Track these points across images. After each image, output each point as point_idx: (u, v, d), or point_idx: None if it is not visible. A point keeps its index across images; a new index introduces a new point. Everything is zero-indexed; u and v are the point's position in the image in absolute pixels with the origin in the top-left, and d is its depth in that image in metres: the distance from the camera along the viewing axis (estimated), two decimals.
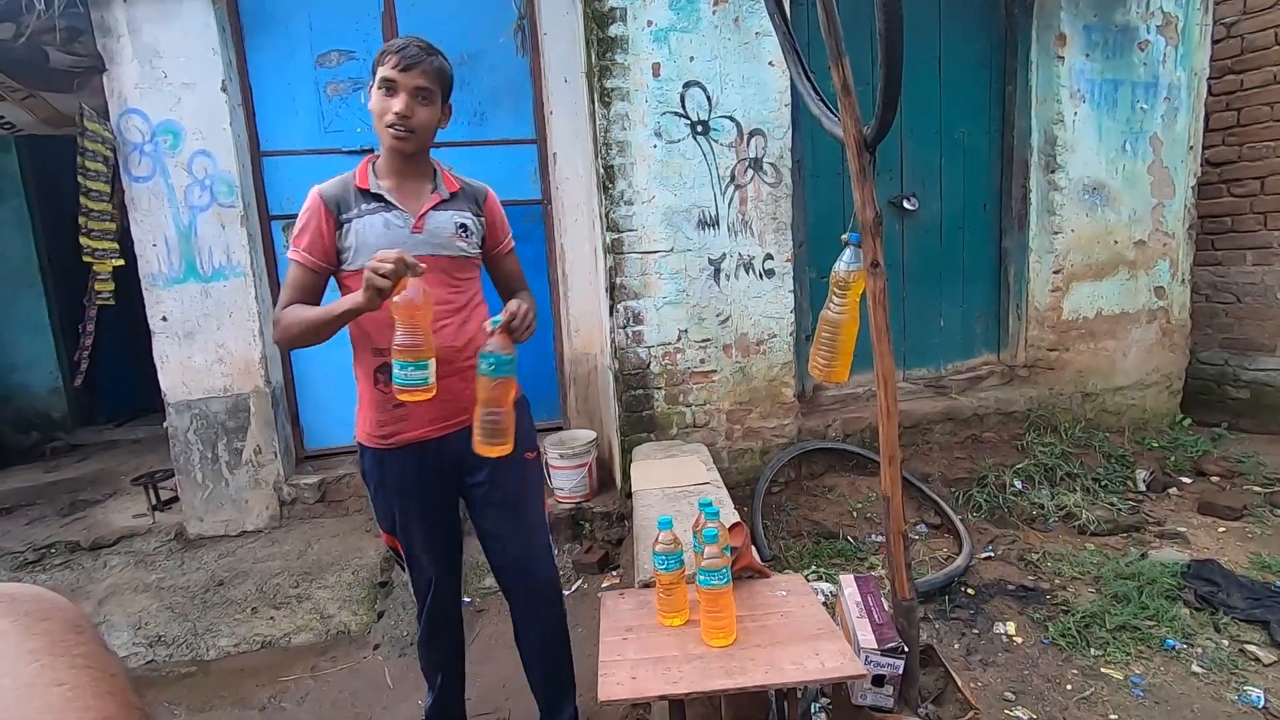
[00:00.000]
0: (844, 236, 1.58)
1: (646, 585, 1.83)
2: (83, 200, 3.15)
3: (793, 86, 3.06)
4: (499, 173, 3.71)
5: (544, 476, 1.82)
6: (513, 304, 1.56)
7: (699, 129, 3.10)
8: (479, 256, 1.74)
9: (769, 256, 3.22)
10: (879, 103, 1.41)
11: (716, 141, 3.12)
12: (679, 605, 1.62)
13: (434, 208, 1.67)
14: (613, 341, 3.16)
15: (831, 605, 2.45)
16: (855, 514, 3.15)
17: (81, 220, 3.17)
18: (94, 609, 3.03)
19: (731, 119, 3.12)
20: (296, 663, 2.71)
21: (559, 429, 3.83)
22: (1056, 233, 3.67)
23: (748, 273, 3.21)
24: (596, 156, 3.09)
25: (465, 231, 1.68)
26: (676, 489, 2.49)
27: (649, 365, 3.18)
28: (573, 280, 3.66)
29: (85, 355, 3.46)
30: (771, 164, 3.18)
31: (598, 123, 3.03)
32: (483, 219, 1.74)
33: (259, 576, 3.17)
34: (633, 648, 1.53)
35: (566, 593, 3.01)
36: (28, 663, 0.31)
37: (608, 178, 3.06)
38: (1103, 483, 3.28)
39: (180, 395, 3.40)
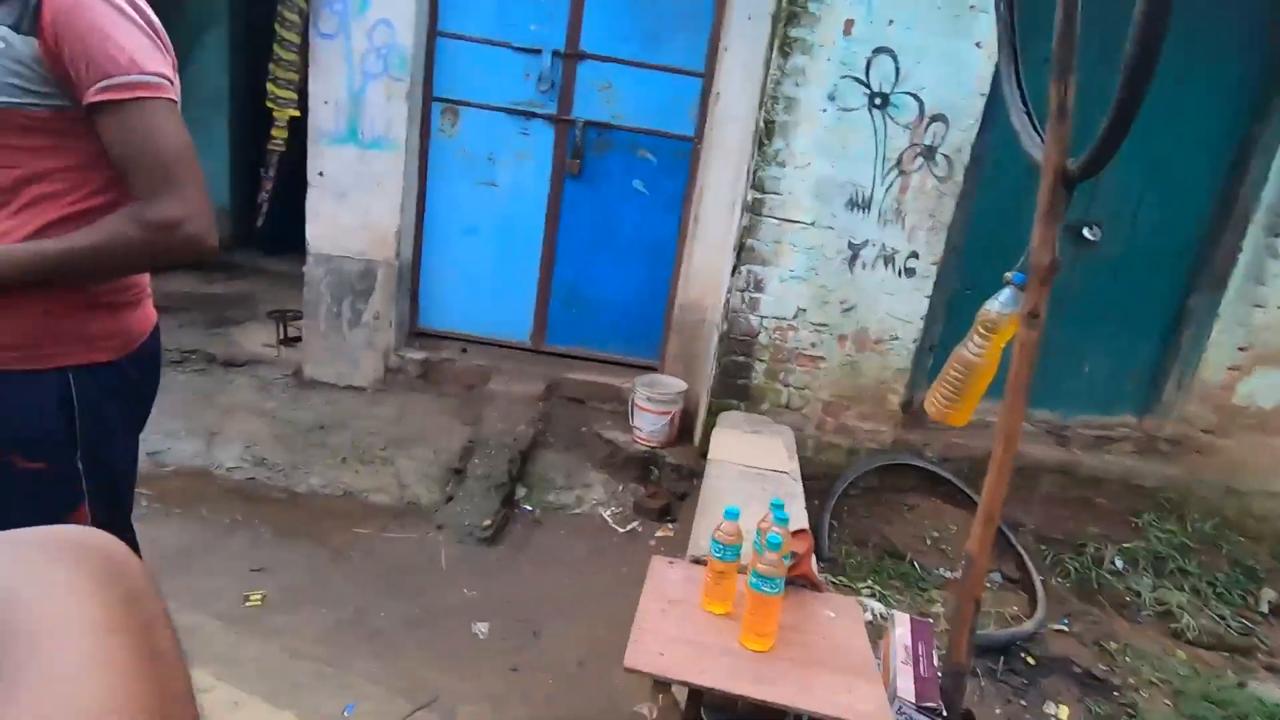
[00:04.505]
0: (1007, 275, 1.42)
1: (698, 561, 1.83)
2: (275, 48, 3.32)
3: (995, 75, 2.74)
4: (657, 101, 3.60)
5: (51, 496, 1.14)
6: None
7: (877, 101, 2.85)
8: (33, 109, 0.99)
9: (914, 255, 2.99)
10: (1099, 136, 1.22)
11: (893, 119, 2.86)
12: (726, 594, 1.61)
13: None
14: (727, 302, 3.08)
15: (878, 632, 2.39)
16: (929, 541, 3.01)
17: (271, 67, 3.36)
18: (216, 418, 3.40)
19: (915, 97, 2.84)
20: (370, 519, 2.95)
21: (654, 369, 3.84)
22: (1259, 305, 3.18)
23: (887, 266, 3.00)
24: (760, 107, 2.92)
25: None
26: (753, 469, 2.45)
27: (757, 335, 3.09)
28: (703, 227, 3.56)
29: (266, 197, 3.73)
30: (946, 156, 2.90)
31: (770, 72, 2.85)
32: (34, 40, 0.96)
33: (355, 431, 3.44)
34: (669, 623, 1.54)
35: (623, 531, 3.09)
36: (89, 634, 0.30)
37: (766, 133, 2.89)
38: (1218, 590, 2.95)
39: (322, 248, 3.64)
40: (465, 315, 3.97)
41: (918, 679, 1.59)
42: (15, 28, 0.96)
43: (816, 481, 3.13)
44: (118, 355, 1.15)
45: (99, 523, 1.17)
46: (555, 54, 3.53)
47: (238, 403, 3.58)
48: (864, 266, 3.00)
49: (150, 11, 1.07)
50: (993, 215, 3.20)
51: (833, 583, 2.75)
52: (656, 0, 3.45)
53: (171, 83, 1.05)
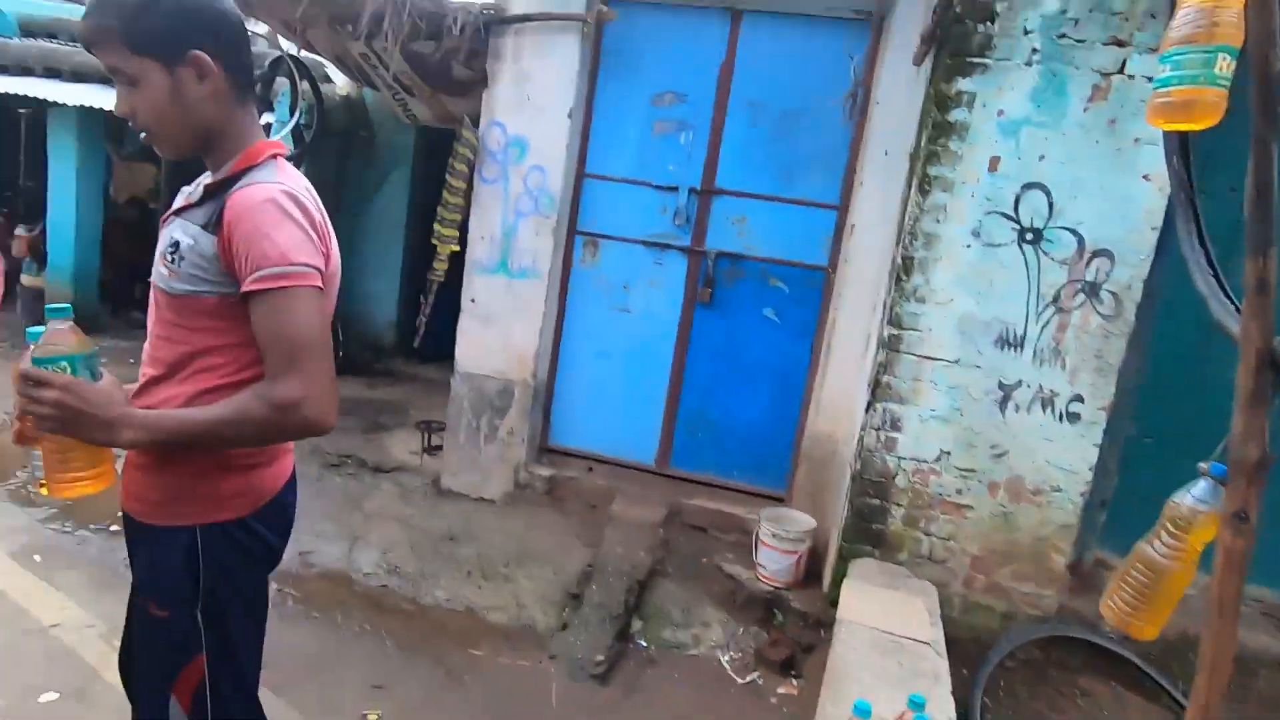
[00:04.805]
0: (1203, 465, 1.22)
1: None
2: (444, 193, 3.76)
3: (1169, 210, 2.52)
4: (790, 232, 3.65)
5: (174, 644, 1.23)
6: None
7: (1028, 237, 2.69)
8: (207, 295, 1.14)
9: (1078, 398, 2.70)
10: None
11: (1047, 254, 2.68)
12: None
13: (176, 213, 1.21)
14: (860, 440, 2.91)
15: None
16: None
17: (439, 210, 3.79)
18: (361, 522, 3.62)
19: (1074, 232, 2.66)
20: (486, 639, 2.96)
21: (780, 500, 3.67)
22: None
23: (1044, 410, 2.73)
24: (898, 244, 2.86)
25: (174, 253, 1.14)
26: (889, 636, 2.21)
27: (894, 477, 2.88)
28: (835, 356, 3.46)
29: (424, 320, 4.14)
30: (1113, 293, 2.65)
31: (909, 209, 2.80)
32: (214, 238, 1.12)
33: (481, 544, 3.53)
34: None
35: (742, 681, 2.87)
36: None
37: (904, 269, 2.81)
38: None
39: (468, 366, 3.92)
40: (593, 435, 4.05)
41: None
42: (205, 227, 1.12)
43: (963, 647, 2.76)
44: (247, 513, 1.24)
45: (213, 677, 1.23)
46: (691, 190, 3.72)
47: (382, 507, 3.81)
48: (1017, 409, 2.75)
49: (314, 204, 1.19)
50: (1174, 355, 2.85)
51: None
52: (792, 139, 3.57)
53: (320, 271, 1.15)
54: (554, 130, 3.66)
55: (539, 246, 3.76)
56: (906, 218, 2.81)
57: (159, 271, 1.17)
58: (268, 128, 4.37)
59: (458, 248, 3.88)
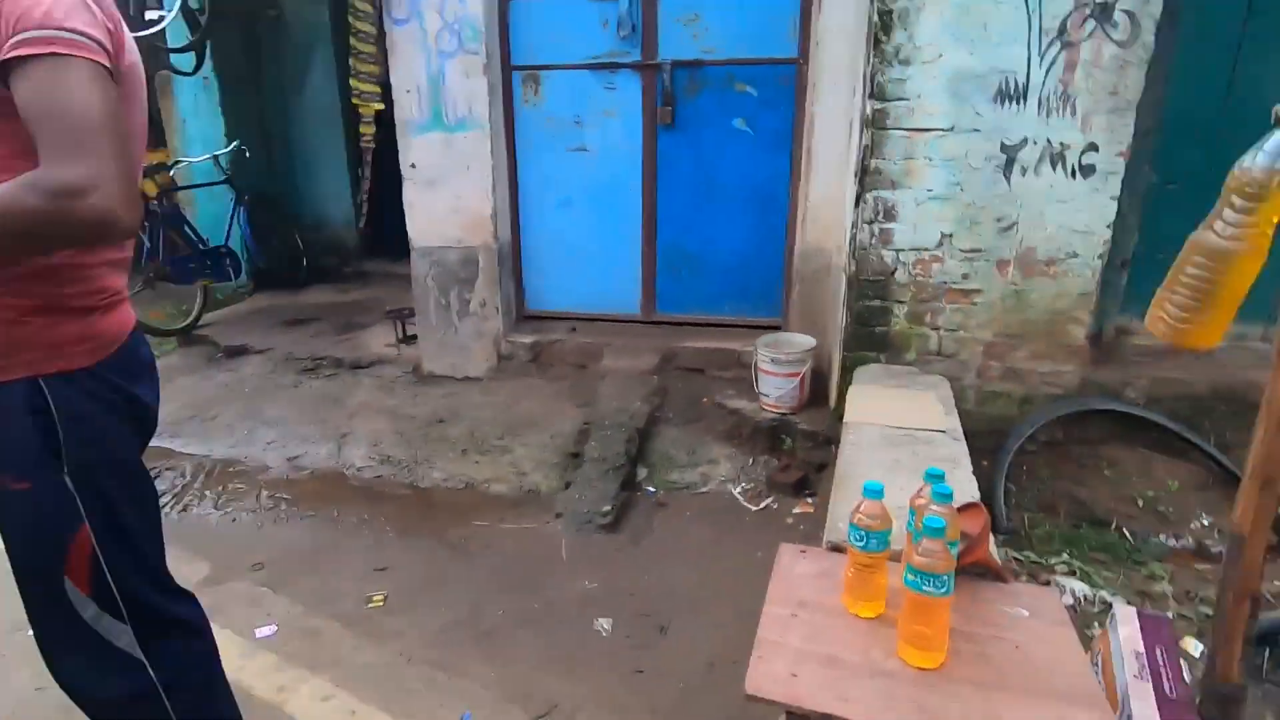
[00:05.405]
0: (1277, 108, 0.93)
1: (836, 549, 1.48)
2: (352, 41, 3.28)
3: None
4: (751, 25, 3.18)
5: (47, 519, 1.04)
6: None
7: None
8: None
9: (1092, 147, 2.37)
10: None
11: None
12: (873, 593, 1.26)
13: None
14: (853, 238, 2.63)
15: (1083, 623, 1.90)
16: (1141, 502, 2.42)
17: (351, 62, 3.33)
18: (345, 419, 3.47)
19: None
20: (488, 510, 2.85)
21: (776, 328, 3.45)
22: None
23: (1055, 167, 2.41)
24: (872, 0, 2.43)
25: None
26: (901, 431, 2.04)
27: (894, 272, 2.62)
28: (818, 159, 3.11)
29: (365, 198, 3.77)
30: (1127, 12, 2.25)
31: None
32: None
33: (471, 421, 3.38)
34: (801, 632, 1.22)
35: (756, 509, 2.77)
36: None
37: (882, 27, 2.40)
38: None
39: (424, 240, 3.60)
40: (571, 293, 3.79)
41: (1163, 702, 1.15)
42: None
43: (982, 439, 2.61)
44: (93, 361, 1.03)
45: (108, 552, 1.05)
46: None
47: (365, 403, 3.64)
48: (1024, 172, 2.43)
49: None
50: (1200, 83, 2.48)
51: (1016, 559, 2.26)
52: None
53: (104, 48, 0.89)
54: None
55: (473, 91, 3.32)
56: None
57: None
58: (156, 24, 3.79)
59: (381, 105, 3.44)
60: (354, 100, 3.41)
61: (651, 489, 2.94)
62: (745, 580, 2.27)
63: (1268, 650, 1.87)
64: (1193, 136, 2.52)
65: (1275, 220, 0.94)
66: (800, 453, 2.99)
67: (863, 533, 1.21)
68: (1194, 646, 1.88)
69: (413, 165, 3.48)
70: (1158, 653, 1.24)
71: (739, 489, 2.90)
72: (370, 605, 2.27)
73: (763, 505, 2.80)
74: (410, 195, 3.52)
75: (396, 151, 3.48)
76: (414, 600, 2.28)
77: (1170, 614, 1.95)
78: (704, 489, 2.94)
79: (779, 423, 3.07)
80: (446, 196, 3.48)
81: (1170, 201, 2.58)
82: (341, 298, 5.37)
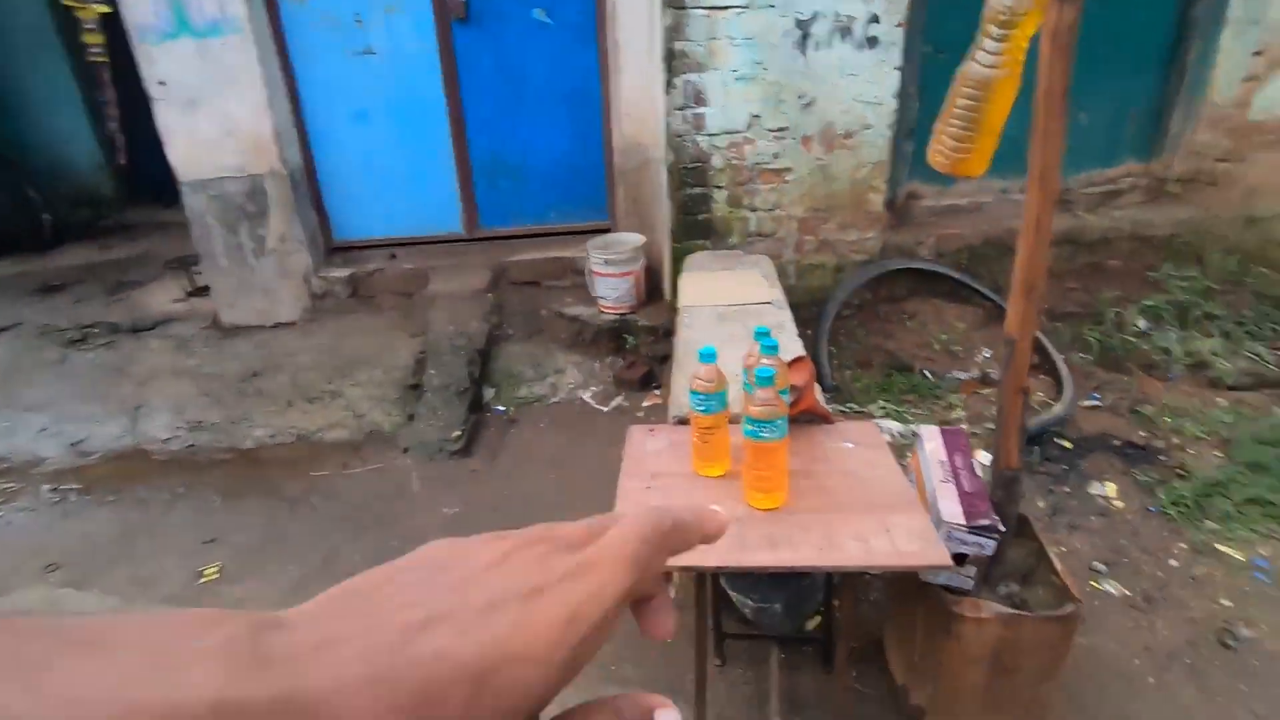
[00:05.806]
0: None
1: (682, 422, 1.53)
2: None
3: None
4: None
5: None
6: None
7: None
8: None
9: (874, 18, 2.50)
10: None
11: None
12: (718, 453, 1.32)
13: None
14: (668, 127, 2.61)
15: (901, 453, 2.15)
16: (937, 346, 2.74)
17: None
18: (134, 390, 3.02)
19: None
20: (329, 458, 2.66)
21: (606, 230, 3.41)
22: None
23: (844, 39, 2.51)
24: None
25: None
26: (731, 307, 2.12)
27: (710, 158, 2.65)
28: (626, 51, 3.01)
29: (114, 127, 3.11)
30: None
31: None
32: None
33: (292, 369, 3.08)
34: (655, 499, 1.25)
35: (607, 410, 2.81)
36: None
37: None
38: (1248, 328, 2.72)
39: (192, 173, 3.10)
40: (385, 217, 3.48)
41: (962, 494, 1.33)
42: None
43: (805, 310, 2.80)
44: None
45: None
46: None
47: (156, 368, 3.18)
48: (817, 46, 2.51)
49: None
50: None
51: (841, 411, 2.50)
52: None
53: None
54: None
55: None
56: None
57: None
58: None
59: (107, 8, 2.83)
60: (65, 2, 2.76)
61: (501, 408, 2.88)
62: (605, 478, 2.28)
63: (1034, 449, 2.24)
64: (957, 4, 2.72)
65: (1025, 45, 1.03)
66: (643, 349, 3.05)
67: (701, 396, 1.24)
68: (984, 457, 2.20)
69: (161, 83, 2.93)
70: (956, 459, 1.43)
71: (589, 393, 2.92)
72: (204, 579, 2.05)
73: (613, 405, 2.85)
74: (166, 119, 2.98)
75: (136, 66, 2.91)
76: (256, 564, 2.10)
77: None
78: (554, 399, 2.93)
79: (619, 323, 3.09)
80: (214, 117, 3.00)
81: (941, 69, 2.79)
82: (104, 256, 4.55)
